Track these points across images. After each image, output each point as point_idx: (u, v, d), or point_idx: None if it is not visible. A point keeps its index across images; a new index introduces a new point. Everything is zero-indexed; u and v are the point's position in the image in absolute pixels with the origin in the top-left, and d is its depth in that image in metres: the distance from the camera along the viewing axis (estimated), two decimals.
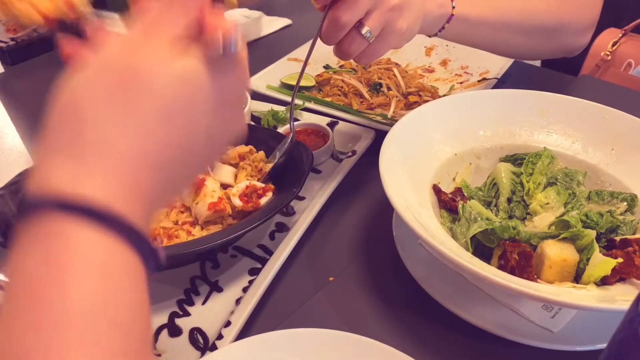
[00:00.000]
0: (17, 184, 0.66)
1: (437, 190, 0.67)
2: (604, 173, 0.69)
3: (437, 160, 0.71)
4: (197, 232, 0.64)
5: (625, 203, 0.63)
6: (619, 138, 0.70)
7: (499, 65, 1.01)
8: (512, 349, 0.56)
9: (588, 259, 0.57)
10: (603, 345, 0.53)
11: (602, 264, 0.55)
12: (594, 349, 0.54)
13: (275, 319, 0.60)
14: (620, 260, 0.55)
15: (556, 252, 0.57)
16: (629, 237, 0.59)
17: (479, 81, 1.00)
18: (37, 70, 1.15)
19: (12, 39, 1.13)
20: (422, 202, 0.63)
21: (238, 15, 1.34)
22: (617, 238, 0.60)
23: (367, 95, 0.96)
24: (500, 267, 0.58)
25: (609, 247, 0.60)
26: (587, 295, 0.53)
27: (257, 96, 0.95)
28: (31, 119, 1.00)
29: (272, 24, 1.29)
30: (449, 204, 0.65)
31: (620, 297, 0.52)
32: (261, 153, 0.74)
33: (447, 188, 0.69)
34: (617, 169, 0.69)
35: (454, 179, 0.72)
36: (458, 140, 0.73)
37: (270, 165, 0.72)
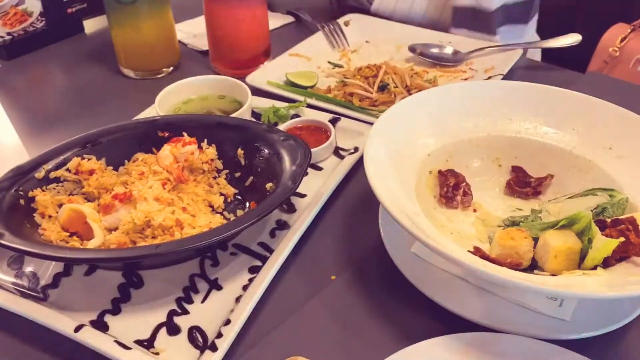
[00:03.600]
0: (11, 179, 0.64)
1: (442, 174, 0.68)
2: (600, 170, 0.67)
3: (423, 153, 0.69)
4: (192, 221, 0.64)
5: (606, 194, 0.63)
6: (620, 138, 0.68)
7: (505, 61, 1.00)
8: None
9: (589, 241, 0.56)
10: (614, 327, 0.54)
11: (604, 245, 0.54)
12: (607, 332, 0.54)
13: (276, 317, 0.59)
14: (622, 239, 0.54)
15: (560, 241, 0.57)
16: (619, 217, 0.58)
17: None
18: (34, 65, 1.13)
19: (9, 34, 1.11)
20: (408, 194, 0.62)
21: None
22: (608, 220, 0.59)
23: (369, 91, 0.95)
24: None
25: (601, 228, 0.59)
26: (598, 283, 0.52)
27: (257, 92, 0.93)
28: (28, 113, 0.99)
29: (273, 22, 1.27)
30: (447, 190, 0.67)
31: (630, 279, 0.53)
32: (212, 149, 0.72)
33: (429, 183, 0.69)
34: (614, 166, 0.66)
35: (429, 172, 0.70)
36: (443, 132, 0.71)
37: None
